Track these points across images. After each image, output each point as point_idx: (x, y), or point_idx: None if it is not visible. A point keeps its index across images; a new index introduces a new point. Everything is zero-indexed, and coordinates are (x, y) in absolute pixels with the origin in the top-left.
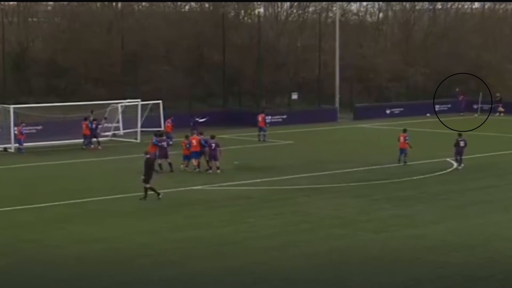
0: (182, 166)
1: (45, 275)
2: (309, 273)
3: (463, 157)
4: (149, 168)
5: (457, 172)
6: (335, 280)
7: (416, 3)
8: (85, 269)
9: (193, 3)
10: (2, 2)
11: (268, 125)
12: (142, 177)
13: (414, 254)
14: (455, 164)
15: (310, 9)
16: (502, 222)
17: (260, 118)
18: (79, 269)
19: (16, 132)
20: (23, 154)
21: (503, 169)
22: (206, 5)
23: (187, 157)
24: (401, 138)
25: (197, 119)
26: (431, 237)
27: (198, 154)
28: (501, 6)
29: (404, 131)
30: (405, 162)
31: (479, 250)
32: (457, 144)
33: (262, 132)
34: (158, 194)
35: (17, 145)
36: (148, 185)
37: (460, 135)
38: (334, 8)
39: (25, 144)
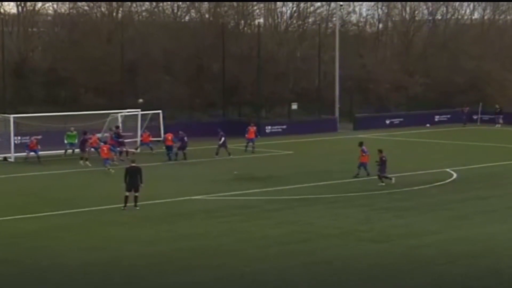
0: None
1: (48, 283)
2: (309, 283)
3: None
4: (137, 176)
5: (457, 183)
6: None
7: (415, 14)
8: (88, 277)
9: (193, 13)
10: (2, 12)
11: (258, 136)
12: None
13: (414, 264)
14: (391, 180)
15: (310, 19)
16: (503, 232)
17: (251, 129)
18: (82, 278)
19: (29, 143)
20: (42, 163)
21: (503, 179)
22: (206, 15)
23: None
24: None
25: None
26: (431, 247)
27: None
28: (501, 17)
29: (361, 144)
30: (368, 173)
31: (480, 260)
32: (383, 161)
33: (251, 143)
34: (125, 206)
35: (32, 153)
36: (137, 194)
37: (381, 151)
38: (334, 19)
39: (22, 154)
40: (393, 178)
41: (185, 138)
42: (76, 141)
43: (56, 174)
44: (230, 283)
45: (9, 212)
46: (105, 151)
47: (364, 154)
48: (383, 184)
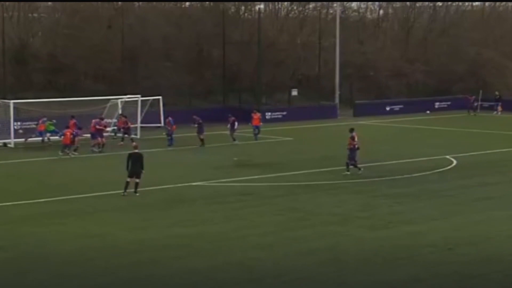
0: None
1: (43, 270)
2: (308, 270)
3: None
4: (138, 163)
5: (457, 169)
6: (333, 277)
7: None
8: (84, 265)
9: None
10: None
11: (261, 123)
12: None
13: (413, 251)
14: (347, 172)
15: (311, 5)
16: (502, 219)
17: (255, 116)
18: (77, 265)
19: (40, 124)
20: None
21: (503, 166)
22: (206, 1)
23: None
24: (356, 138)
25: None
26: (430, 234)
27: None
28: (502, 4)
29: (352, 130)
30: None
31: (479, 248)
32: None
33: (256, 130)
34: (125, 191)
35: (40, 138)
36: (138, 180)
37: (353, 138)
38: (335, 5)
39: (21, 140)
40: (349, 172)
41: (201, 122)
42: (54, 128)
43: (55, 160)
44: (228, 270)
45: (7, 198)
46: (68, 136)
47: (352, 141)
48: (348, 173)
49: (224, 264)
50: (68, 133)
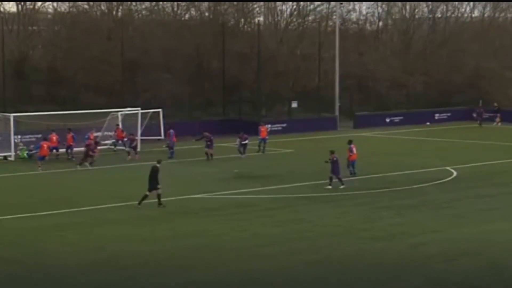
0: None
1: (48, 283)
2: (309, 281)
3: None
4: (154, 177)
5: (457, 181)
6: None
7: (415, 12)
8: (88, 277)
9: (193, 12)
10: (2, 11)
11: (267, 136)
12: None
13: (414, 263)
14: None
15: (310, 17)
16: (503, 231)
17: (262, 129)
18: (82, 278)
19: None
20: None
21: (503, 177)
22: (206, 13)
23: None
24: (354, 150)
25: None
26: (431, 245)
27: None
28: (501, 15)
29: (350, 142)
30: (355, 173)
31: (480, 259)
32: (334, 161)
33: (263, 142)
34: (140, 202)
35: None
36: (148, 193)
37: (333, 152)
38: (334, 17)
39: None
40: (331, 187)
41: (212, 138)
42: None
43: (56, 173)
44: (230, 282)
45: (8, 211)
46: (45, 148)
47: (350, 153)
48: (330, 187)
49: (226, 275)
50: (45, 145)
